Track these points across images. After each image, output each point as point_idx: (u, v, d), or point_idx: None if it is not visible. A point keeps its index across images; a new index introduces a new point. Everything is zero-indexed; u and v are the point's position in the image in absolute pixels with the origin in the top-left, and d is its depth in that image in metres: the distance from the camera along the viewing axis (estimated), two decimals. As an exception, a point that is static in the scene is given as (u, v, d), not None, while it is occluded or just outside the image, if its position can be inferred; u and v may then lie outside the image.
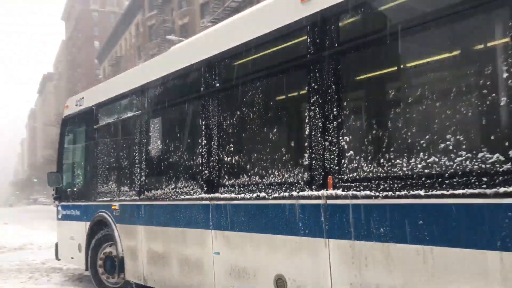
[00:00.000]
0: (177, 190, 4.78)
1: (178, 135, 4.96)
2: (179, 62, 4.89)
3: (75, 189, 7.11)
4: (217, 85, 4.37)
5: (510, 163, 2.38)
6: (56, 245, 7.58)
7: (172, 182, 4.89)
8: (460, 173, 2.57)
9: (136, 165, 5.50)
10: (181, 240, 4.72)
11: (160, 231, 5.05)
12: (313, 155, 3.38)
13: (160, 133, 5.23)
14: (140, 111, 5.52)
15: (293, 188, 3.53)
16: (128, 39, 55.28)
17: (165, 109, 5.23)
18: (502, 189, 2.39)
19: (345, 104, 3.28)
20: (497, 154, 2.44)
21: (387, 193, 2.90)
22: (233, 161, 4.15)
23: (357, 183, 3.09)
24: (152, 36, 44.21)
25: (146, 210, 5.28)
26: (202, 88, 4.52)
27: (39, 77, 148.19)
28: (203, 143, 4.44)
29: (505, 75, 2.43)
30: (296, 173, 3.55)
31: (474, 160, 2.53)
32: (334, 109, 3.26)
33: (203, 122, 4.46)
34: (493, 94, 2.48)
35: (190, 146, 4.70)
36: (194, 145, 4.62)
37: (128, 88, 5.76)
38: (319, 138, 3.34)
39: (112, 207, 5.89)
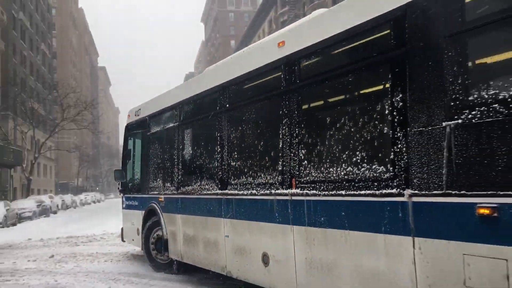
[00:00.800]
0: (201, 186, 6.10)
1: (202, 144, 6.29)
2: (199, 87, 6.24)
3: (134, 183, 8.72)
4: (218, 108, 5.67)
5: (388, 174, 3.40)
6: (122, 229, 9.28)
7: (198, 180, 6.22)
8: (364, 179, 3.61)
9: (174, 166, 6.91)
10: (204, 226, 6.04)
11: (191, 218, 6.41)
12: (284, 164, 4.52)
13: (190, 141, 6.60)
14: (177, 123, 6.92)
15: (272, 187, 4.69)
16: (262, 36, 56.14)
17: (192, 122, 6.60)
18: (384, 191, 3.41)
19: (302, 126, 4.38)
20: (383, 167, 3.46)
21: (325, 192, 3.99)
22: (236, 166, 5.38)
23: (309, 185, 4.19)
24: (286, 31, 45.31)
25: (182, 202, 6.67)
26: (214, 109, 5.81)
27: (182, 77, 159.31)
28: (217, 152, 5.72)
29: (384, 114, 3.44)
30: (274, 176, 4.70)
31: (371, 170, 3.56)
32: (297, 130, 4.38)
33: (216, 136, 5.74)
34: (377, 130, 3.51)
35: (209, 153, 6.01)
36: (212, 153, 5.92)
37: (170, 104, 7.19)
38: (288, 151, 4.47)
39: (159, 199, 7.37)
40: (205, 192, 6.01)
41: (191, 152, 6.55)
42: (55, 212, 31.71)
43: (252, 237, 5.03)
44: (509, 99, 2.68)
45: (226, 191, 5.52)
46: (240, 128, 5.40)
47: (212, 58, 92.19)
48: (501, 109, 2.72)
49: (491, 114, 2.76)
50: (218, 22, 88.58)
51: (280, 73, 4.64)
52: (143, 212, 8.02)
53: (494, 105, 2.75)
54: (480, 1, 3.01)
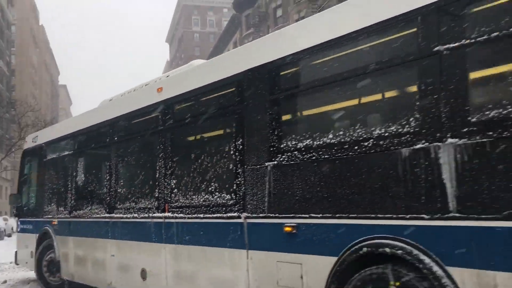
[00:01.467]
0: (91, 210, 6.70)
1: (92, 172, 6.92)
2: (91, 120, 6.93)
3: (30, 208, 8.99)
4: (107, 140, 6.42)
5: (232, 201, 4.36)
6: (16, 252, 9.43)
7: (89, 205, 6.81)
8: (215, 205, 4.54)
9: (68, 191, 7.42)
10: (93, 247, 6.62)
11: (82, 240, 6.95)
12: (159, 191, 5.34)
13: (82, 169, 7.18)
14: (71, 151, 7.47)
15: (150, 211, 5.47)
16: (227, 57, 56.41)
17: (84, 152, 7.24)
18: (229, 214, 4.36)
19: (173, 161, 5.25)
20: (228, 195, 4.42)
21: (188, 215, 4.86)
22: (121, 193, 6.10)
23: (178, 209, 5.05)
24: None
25: (74, 225, 7.18)
26: (103, 141, 6.53)
27: None
28: (106, 180, 6.39)
29: (230, 154, 4.42)
30: (151, 202, 5.50)
31: (221, 198, 4.50)
32: (169, 164, 5.24)
33: (105, 165, 6.43)
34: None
35: (99, 180, 6.66)
36: (101, 180, 6.58)
37: (65, 133, 7.71)
38: (162, 181, 5.30)
39: (52, 222, 7.78)
40: (94, 215, 6.62)
41: (83, 179, 7.13)
42: (9, 235, 29.60)
43: (133, 255, 5.75)
44: (303, 149, 3.76)
45: (113, 214, 6.19)
46: (125, 159, 6.15)
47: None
48: (298, 155, 3.79)
49: (292, 159, 3.83)
50: (183, 42, 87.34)
51: (158, 114, 5.50)
52: (37, 235, 8.33)
53: (294, 152, 3.82)
54: (285, 78, 4.09)
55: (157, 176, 5.40)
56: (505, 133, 2.63)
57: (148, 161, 5.73)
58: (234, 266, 4.29)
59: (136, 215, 5.71)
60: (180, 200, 5.04)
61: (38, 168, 8.70)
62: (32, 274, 9.71)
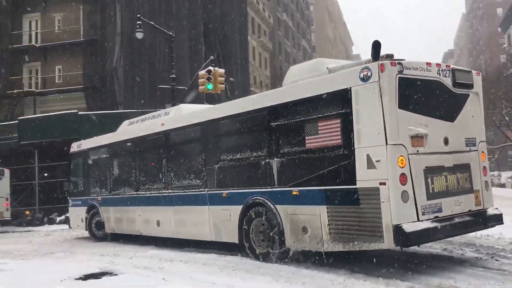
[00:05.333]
0: (125, 190, 11.53)
1: (123, 167, 11.74)
2: (116, 138, 11.69)
3: (78, 190, 13.81)
4: (131, 150, 11.21)
5: (200, 183, 9.21)
6: (69, 220, 14.30)
7: (123, 187, 11.64)
8: (191, 185, 9.37)
9: (107, 179, 12.24)
10: (126, 211, 11.47)
11: (118, 208, 11.80)
12: (164, 178, 10.16)
13: (117, 165, 12.00)
14: (108, 154, 12.26)
15: (159, 190, 10.29)
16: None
17: (117, 155, 12.03)
18: (199, 189, 9.21)
19: (167, 162, 10.08)
20: (198, 181, 9.27)
21: (180, 191, 9.69)
22: (142, 179, 10.92)
23: (174, 188, 9.88)
24: None
25: (113, 200, 12.02)
26: (128, 150, 11.32)
27: (440, 56, 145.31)
28: (133, 172, 11.20)
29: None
30: (160, 184, 10.31)
31: (194, 181, 9.34)
32: (166, 165, 10.07)
33: (131, 164, 11.24)
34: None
35: (128, 172, 11.47)
36: (130, 172, 11.38)
37: (103, 143, 12.49)
38: (166, 173, 10.12)
39: (98, 199, 12.63)
40: (127, 193, 11.46)
41: (117, 171, 11.95)
42: None
43: (152, 214, 10.60)
44: (230, 160, 8.58)
45: (138, 192, 11.03)
46: (142, 160, 10.98)
47: (474, 31, 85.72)
48: (228, 163, 8.61)
49: (225, 164, 8.64)
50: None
51: (165, 137, 10.25)
52: (86, 207, 13.18)
53: (229, 161, 8.64)
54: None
55: (162, 170, 10.21)
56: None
57: (157, 161, 10.54)
58: (203, 213, 9.13)
59: (152, 192, 10.55)
60: (175, 184, 9.86)
61: (83, 165, 13.49)
62: (80, 234, 14.66)
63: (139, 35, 20.43)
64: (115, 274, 7.14)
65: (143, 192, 10.87)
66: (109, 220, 12.27)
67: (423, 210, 6.16)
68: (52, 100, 29.46)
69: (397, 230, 5.87)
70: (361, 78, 6.25)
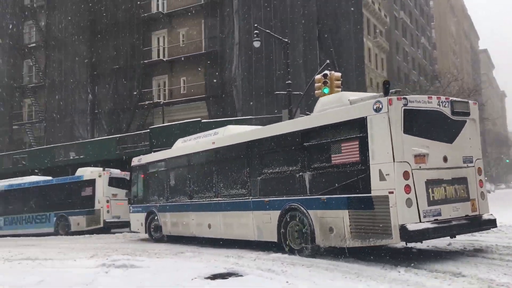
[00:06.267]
0: (180, 198, 13.56)
1: (179, 179, 13.79)
2: (171, 154, 13.77)
3: (138, 199, 15.99)
4: (186, 164, 13.26)
5: (245, 192, 11.08)
6: (129, 223, 16.51)
7: (178, 196, 13.68)
8: (237, 194, 11.25)
9: (165, 189, 14.33)
10: (182, 216, 13.48)
11: (175, 213, 13.83)
12: (215, 189, 12.10)
13: (173, 177, 14.06)
14: (165, 168, 14.36)
15: (211, 197, 12.23)
16: None
17: (173, 168, 14.10)
18: (245, 197, 11.09)
19: (215, 176, 12.02)
20: (244, 190, 11.15)
21: (227, 199, 11.61)
22: (195, 189, 12.91)
23: (223, 196, 11.80)
24: None
25: (170, 206, 14.07)
26: (182, 165, 13.37)
27: None
28: (187, 183, 13.22)
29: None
30: (211, 193, 12.26)
31: (239, 191, 11.22)
32: (215, 178, 12.02)
33: (186, 176, 13.29)
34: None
35: (183, 183, 13.51)
36: (184, 183, 13.42)
37: (160, 158, 14.63)
38: (215, 184, 12.08)
39: (156, 205, 14.72)
40: (182, 201, 13.48)
41: (174, 182, 14.02)
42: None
43: (204, 218, 12.55)
44: (271, 173, 10.44)
45: (192, 200, 13.02)
46: (194, 173, 12.98)
47: None
48: (269, 175, 10.46)
49: (266, 177, 10.50)
50: None
51: (215, 154, 12.23)
52: (145, 213, 15.30)
53: (269, 174, 10.50)
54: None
55: (212, 181, 12.16)
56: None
57: (208, 173, 12.50)
58: (248, 217, 10.97)
59: (204, 199, 12.51)
60: (224, 192, 11.79)
61: (144, 177, 15.67)
62: (140, 236, 16.82)
63: (256, 44, 21.02)
64: (240, 275, 7.37)
65: (196, 200, 12.84)
66: (166, 224, 14.31)
67: (424, 214, 7.78)
68: (178, 110, 31.62)
69: (403, 229, 7.51)
70: (375, 109, 7.97)
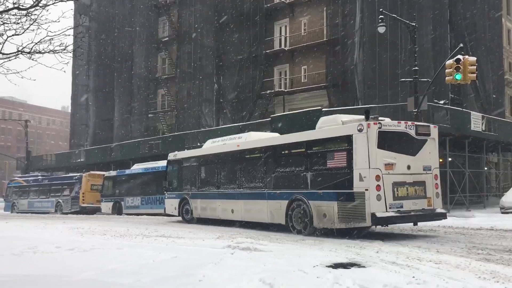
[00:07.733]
0: (209, 188, 16.87)
1: (209, 173, 17.11)
2: (202, 152, 17.10)
3: (173, 188, 19.35)
4: (214, 161, 16.57)
5: (261, 185, 14.34)
6: (165, 207, 19.93)
7: (208, 186, 17.01)
8: (255, 186, 14.51)
9: (196, 180, 17.67)
10: (210, 202, 16.80)
11: (204, 200, 17.16)
12: (237, 181, 15.38)
13: (204, 170, 17.40)
14: (197, 163, 17.70)
15: (234, 188, 15.51)
16: None
17: (204, 164, 17.44)
18: (261, 189, 14.37)
19: (242, 173, 15.30)
20: (260, 183, 14.42)
21: (247, 189, 14.88)
22: (222, 182, 16.22)
23: (244, 187, 15.09)
24: None
25: (201, 194, 17.40)
26: (212, 161, 16.69)
27: None
28: (216, 177, 16.53)
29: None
30: (235, 185, 15.53)
31: (257, 184, 14.48)
32: (238, 173, 15.31)
33: (214, 170, 16.61)
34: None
35: (212, 176, 16.82)
36: (213, 177, 16.74)
37: (194, 155, 17.98)
38: (239, 178, 15.35)
39: (188, 193, 18.07)
40: (210, 190, 16.79)
41: (204, 174, 17.35)
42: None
43: (228, 205, 15.83)
44: (283, 171, 13.68)
45: (219, 189, 16.33)
46: (221, 168, 16.28)
47: None
48: (283, 172, 13.71)
49: (281, 173, 13.74)
50: None
51: (239, 154, 15.49)
52: (179, 199, 18.66)
53: (281, 172, 13.75)
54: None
55: (236, 175, 15.42)
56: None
57: (232, 169, 15.76)
58: (263, 205, 14.22)
59: (228, 190, 15.80)
60: (245, 185, 15.05)
61: (178, 170, 19.02)
62: (174, 218, 20.24)
63: (381, 29, 20.24)
64: (363, 266, 7.28)
65: (222, 190, 16.13)
66: (196, 209, 17.65)
67: (390, 206, 10.92)
68: (298, 99, 31.89)
69: (373, 215, 10.67)
70: (358, 129, 11.10)
